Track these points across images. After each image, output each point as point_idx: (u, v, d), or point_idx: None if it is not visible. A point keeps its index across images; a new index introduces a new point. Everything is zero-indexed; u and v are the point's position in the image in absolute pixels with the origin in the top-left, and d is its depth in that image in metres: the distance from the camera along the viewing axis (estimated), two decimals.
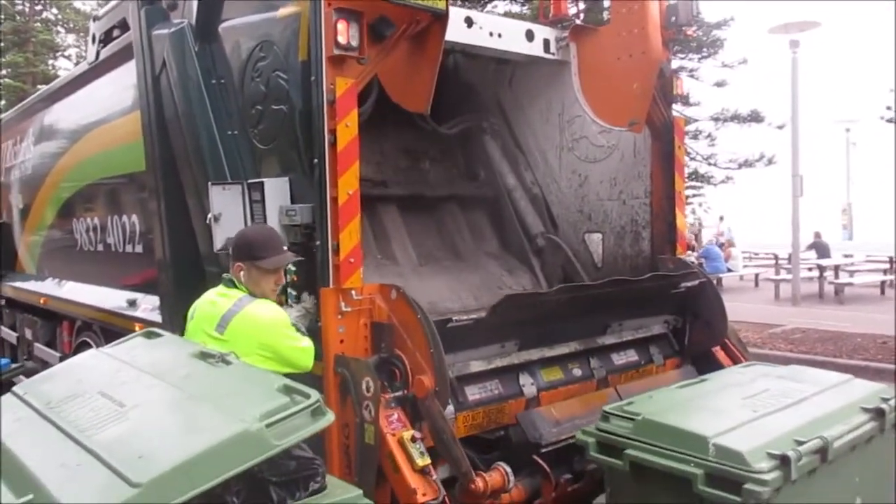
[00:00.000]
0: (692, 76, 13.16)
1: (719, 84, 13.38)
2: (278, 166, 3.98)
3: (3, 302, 9.36)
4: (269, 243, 3.19)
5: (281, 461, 2.12)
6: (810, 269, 18.75)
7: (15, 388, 2.72)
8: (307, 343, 3.17)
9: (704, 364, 4.64)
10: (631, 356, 4.65)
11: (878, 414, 3.23)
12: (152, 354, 2.72)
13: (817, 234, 21.80)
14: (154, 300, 5.23)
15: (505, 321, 3.83)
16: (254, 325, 3.03)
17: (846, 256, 21.13)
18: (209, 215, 3.97)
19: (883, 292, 17.65)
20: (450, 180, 5.80)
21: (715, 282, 21.67)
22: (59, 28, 26.23)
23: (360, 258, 3.58)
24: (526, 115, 5.87)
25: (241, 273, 3.13)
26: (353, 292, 3.52)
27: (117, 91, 5.69)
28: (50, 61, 25.14)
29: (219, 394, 2.25)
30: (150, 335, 2.94)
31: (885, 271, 19.60)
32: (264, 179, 3.87)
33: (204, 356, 2.58)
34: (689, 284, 4.71)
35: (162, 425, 2.11)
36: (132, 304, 5.59)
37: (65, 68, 23.65)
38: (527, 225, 5.77)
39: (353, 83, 3.53)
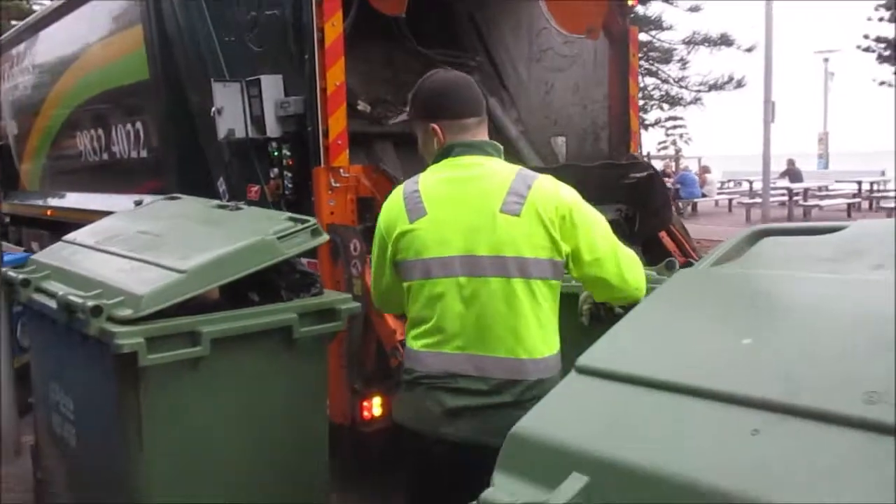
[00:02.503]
0: (667, 1, 13.56)
1: (693, 9, 13.80)
2: (271, 65, 4.49)
3: (7, 220, 9.83)
4: None
5: (288, 272, 2.73)
6: (783, 194, 19.46)
7: (63, 238, 3.30)
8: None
9: (652, 247, 5.28)
10: None
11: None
12: (176, 209, 3.30)
13: (790, 162, 22.50)
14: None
15: None
16: (555, 205, 2.13)
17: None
18: (213, 109, 4.50)
19: (849, 215, 18.43)
20: None
21: (690, 207, 22.10)
22: None
23: (346, 141, 4.14)
24: (500, 31, 6.35)
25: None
26: (342, 170, 4.09)
27: (117, 6, 6.12)
28: None
29: (238, 224, 2.85)
30: (172, 198, 3.51)
31: (853, 195, 20.35)
32: (260, 77, 4.39)
33: (221, 206, 3.17)
34: (637, 175, 5.31)
35: (195, 241, 2.71)
36: (139, 204, 6.12)
37: (40, 3, 23.39)
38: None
39: None
